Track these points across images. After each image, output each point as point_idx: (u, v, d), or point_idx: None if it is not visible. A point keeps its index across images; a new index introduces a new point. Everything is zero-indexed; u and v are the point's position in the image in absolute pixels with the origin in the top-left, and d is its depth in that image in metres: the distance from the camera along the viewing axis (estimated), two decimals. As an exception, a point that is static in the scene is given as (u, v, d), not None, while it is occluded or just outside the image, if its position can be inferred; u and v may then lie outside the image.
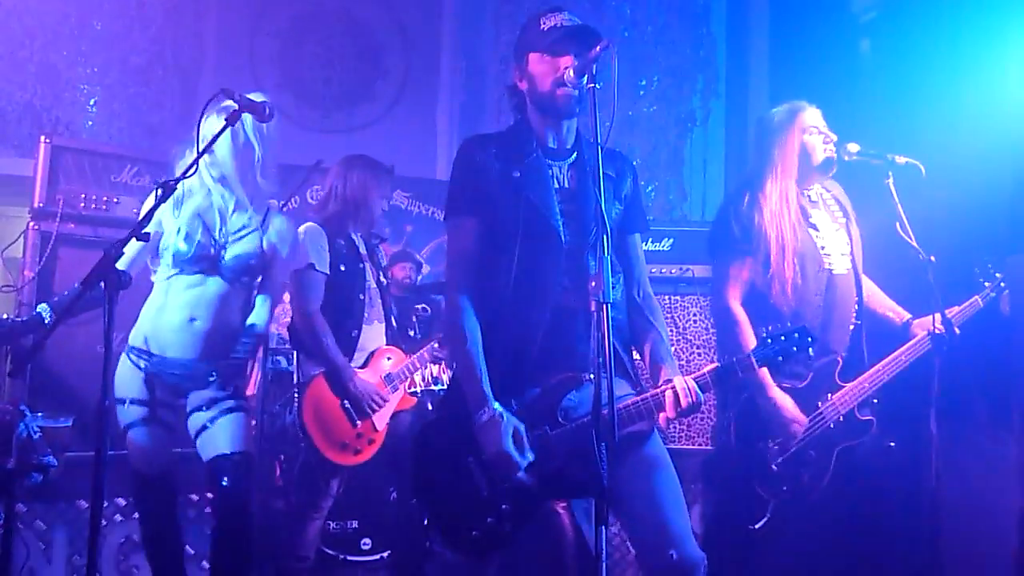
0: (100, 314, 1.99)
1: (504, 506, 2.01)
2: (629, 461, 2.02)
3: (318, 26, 5.65)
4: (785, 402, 2.68)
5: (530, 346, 2.07)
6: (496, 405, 1.99)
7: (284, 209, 3.75)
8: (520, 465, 1.96)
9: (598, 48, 1.92)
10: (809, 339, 2.03)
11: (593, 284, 1.80)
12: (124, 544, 3.14)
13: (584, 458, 1.92)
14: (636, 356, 2.30)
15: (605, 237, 1.82)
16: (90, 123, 4.99)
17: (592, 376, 2.06)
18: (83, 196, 3.22)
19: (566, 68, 2.05)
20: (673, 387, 1.99)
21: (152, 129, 5.14)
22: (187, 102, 5.17)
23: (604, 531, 1.73)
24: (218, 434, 2.66)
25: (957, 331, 2.79)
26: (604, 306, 1.75)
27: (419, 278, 4.68)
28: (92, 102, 4.99)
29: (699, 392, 2.00)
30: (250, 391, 3.54)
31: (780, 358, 2.03)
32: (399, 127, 5.77)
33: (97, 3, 4.96)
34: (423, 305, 4.46)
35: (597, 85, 1.94)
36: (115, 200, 3.21)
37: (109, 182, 3.26)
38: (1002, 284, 2.93)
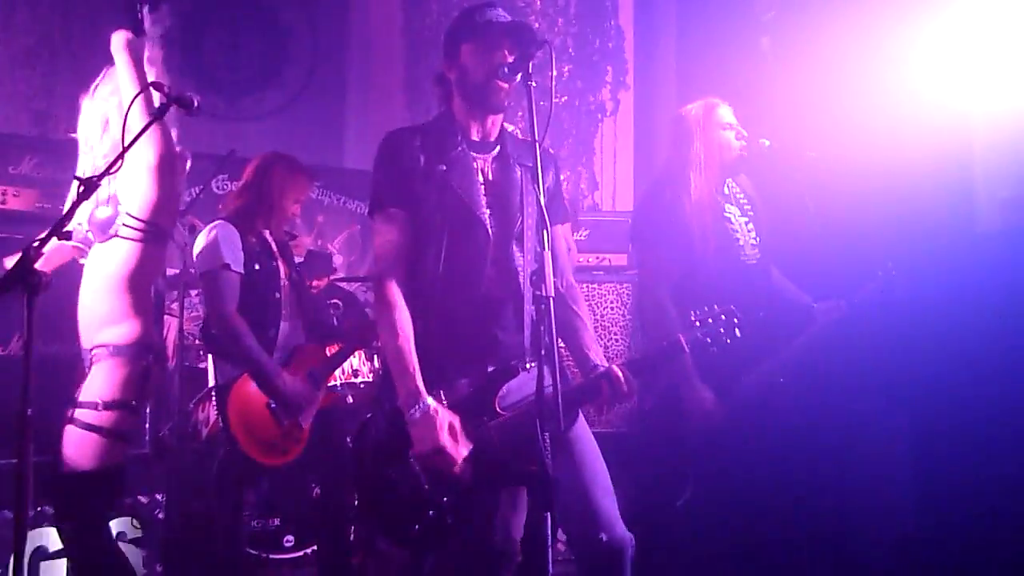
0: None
1: (445, 499, 2.02)
2: (558, 447, 2.08)
3: (221, 8, 5.45)
4: (706, 396, 2.80)
5: (460, 336, 2.11)
6: (429, 400, 1.99)
7: (188, 199, 3.61)
8: (456, 459, 1.97)
9: (536, 48, 1.96)
10: (735, 319, 2.13)
11: (534, 278, 1.84)
12: (34, 554, 2.99)
13: (522, 446, 1.97)
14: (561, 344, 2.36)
15: (545, 232, 1.86)
16: (-29, 108, 4.67)
17: (529, 365, 2.13)
18: (-23, 189, 3.03)
19: (500, 63, 2.07)
20: (607, 375, 2.06)
21: (40, 116, 4.83)
22: (79, 87, 4.88)
23: (549, 517, 1.78)
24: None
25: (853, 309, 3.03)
26: (548, 299, 1.79)
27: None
28: (-27, 86, 4.66)
29: (632, 380, 2.07)
30: None
31: (709, 339, 2.12)
32: (307, 114, 5.65)
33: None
34: (335, 300, 4.43)
35: (533, 83, 1.98)
36: (14, 193, 3.02)
37: (7, 173, 3.07)
38: (894, 272, 3.17)
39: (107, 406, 2.42)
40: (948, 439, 3.06)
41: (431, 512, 2.04)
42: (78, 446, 2.40)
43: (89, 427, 2.40)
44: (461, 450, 1.99)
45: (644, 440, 3.04)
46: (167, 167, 2.46)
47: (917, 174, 3.21)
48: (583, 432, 2.17)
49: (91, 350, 2.48)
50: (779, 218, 3.08)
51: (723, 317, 2.11)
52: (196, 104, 2.14)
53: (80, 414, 2.40)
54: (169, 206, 2.52)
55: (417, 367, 2.03)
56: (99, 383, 2.43)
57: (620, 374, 2.06)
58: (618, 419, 3.93)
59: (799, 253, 3.09)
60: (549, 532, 1.78)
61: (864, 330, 3.03)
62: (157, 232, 2.48)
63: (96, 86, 2.56)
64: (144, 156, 2.42)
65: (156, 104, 2.35)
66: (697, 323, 2.12)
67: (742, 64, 4.29)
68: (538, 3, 5.36)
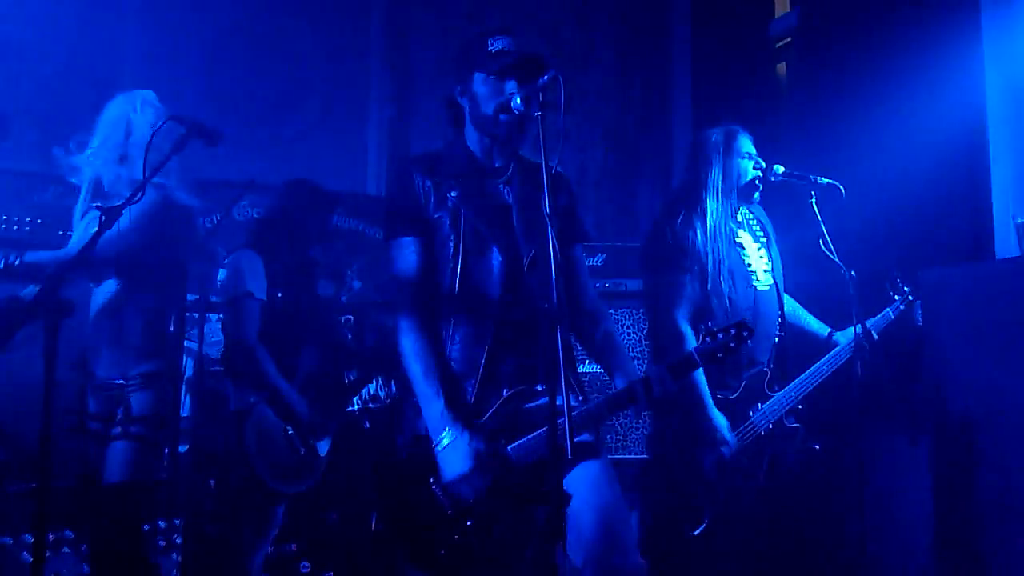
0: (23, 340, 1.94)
1: (468, 522, 2.03)
2: (573, 471, 2.06)
3: (241, 36, 5.53)
4: (720, 423, 2.79)
5: (477, 362, 2.11)
6: (457, 427, 2.01)
7: (210, 225, 3.67)
8: (479, 488, 1.99)
9: (546, 78, 1.94)
10: (745, 333, 2.11)
11: (547, 302, 1.84)
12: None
13: (538, 470, 1.99)
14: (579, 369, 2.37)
15: (553, 257, 1.86)
16: (-3, 137, 4.74)
17: (542, 387, 2.13)
18: (3, 218, 3.08)
19: (511, 94, 2.09)
20: (647, 378, 2.06)
21: (66, 144, 4.91)
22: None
23: (561, 542, 1.77)
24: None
25: (875, 336, 3.02)
26: (556, 324, 1.79)
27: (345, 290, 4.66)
28: (-1, 115, 4.74)
29: (672, 381, 2.06)
30: None
31: (720, 354, 2.11)
32: (328, 141, 5.69)
33: (4, 8, 4.72)
34: (347, 316, 4.44)
35: (539, 113, 1.95)
36: (38, 221, 3.08)
37: (31, 203, 3.13)
38: (910, 297, 3.16)
39: (148, 421, 2.56)
40: (970, 469, 3.01)
41: (456, 536, 2.04)
42: (121, 455, 2.51)
43: (136, 438, 2.53)
44: (487, 476, 2.00)
45: (661, 468, 3.01)
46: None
47: (934, 200, 3.20)
48: (599, 456, 2.15)
49: (122, 380, 2.58)
50: (793, 245, 3.07)
51: (732, 331, 2.11)
52: (217, 135, 2.19)
53: (122, 431, 2.52)
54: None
55: (442, 394, 2.05)
56: (139, 405, 2.56)
57: (658, 375, 2.06)
58: (637, 446, 3.91)
59: (815, 280, 3.07)
60: (560, 558, 1.78)
61: (884, 358, 3.01)
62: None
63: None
64: None
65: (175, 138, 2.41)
66: (707, 338, 2.12)
67: (757, 90, 4.31)
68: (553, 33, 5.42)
